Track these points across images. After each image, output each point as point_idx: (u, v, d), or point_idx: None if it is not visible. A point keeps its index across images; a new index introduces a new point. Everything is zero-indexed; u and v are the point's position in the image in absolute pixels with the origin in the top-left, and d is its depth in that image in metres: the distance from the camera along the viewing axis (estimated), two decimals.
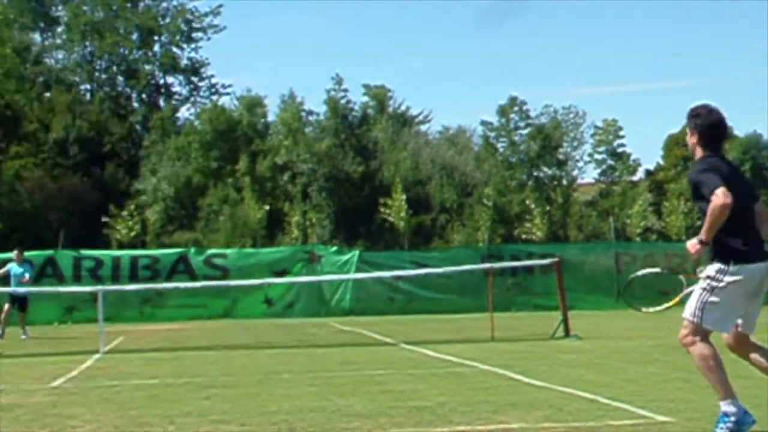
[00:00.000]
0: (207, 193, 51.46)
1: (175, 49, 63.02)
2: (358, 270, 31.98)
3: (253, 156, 51.98)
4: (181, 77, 64.25)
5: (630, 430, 8.17)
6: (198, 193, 52.03)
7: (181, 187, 52.26)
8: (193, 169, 52.59)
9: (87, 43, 61.67)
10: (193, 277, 31.58)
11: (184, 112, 62.88)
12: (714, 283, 7.19)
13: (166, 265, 32.61)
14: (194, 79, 64.30)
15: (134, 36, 61.97)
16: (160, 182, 51.93)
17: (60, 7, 63.77)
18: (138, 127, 60.28)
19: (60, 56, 63.43)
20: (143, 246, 42.99)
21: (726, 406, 7.13)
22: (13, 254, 25.04)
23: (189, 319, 30.73)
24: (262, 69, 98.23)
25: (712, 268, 7.23)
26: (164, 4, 62.79)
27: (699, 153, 7.44)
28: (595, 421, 8.60)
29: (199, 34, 63.22)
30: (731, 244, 7.16)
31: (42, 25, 64.13)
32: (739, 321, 7.33)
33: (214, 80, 64.44)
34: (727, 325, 7.29)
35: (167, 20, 62.52)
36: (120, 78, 63.01)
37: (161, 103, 62.80)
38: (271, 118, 55.78)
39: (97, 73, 62.63)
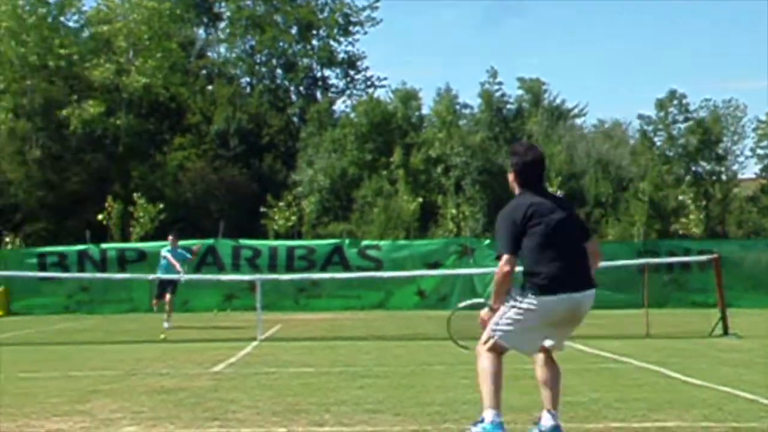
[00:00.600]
0: (361, 185, 51.94)
1: (332, 43, 63.85)
2: None
3: (407, 149, 52.24)
4: (338, 70, 65.06)
5: None
6: (353, 185, 52.59)
7: (336, 178, 52.94)
8: (348, 161, 53.17)
9: (248, 38, 63.08)
10: (348, 268, 31.95)
11: (341, 105, 63.65)
12: (513, 305, 7.38)
13: (321, 255, 33.04)
14: (351, 72, 65.03)
15: (293, 30, 63.04)
16: (317, 174, 52.70)
17: (223, 3, 65.38)
18: (295, 119, 61.28)
19: (222, 50, 65.09)
20: (299, 236, 43.68)
21: (486, 413, 7.38)
22: (168, 239, 24.05)
23: (343, 309, 31.10)
24: (418, 62, 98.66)
25: (515, 293, 7.41)
26: None
27: (517, 191, 7.57)
28: (756, 422, 8.41)
29: (357, 28, 63.89)
30: (534, 276, 7.31)
31: (205, 20, 65.88)
32: (547, 343, 7.54)
33: (369, 73, 65.05)
34: (525, 348, 7.57)
35: (325, 14, 63.33)
36: (279, 71, 64.19)
37: (318, 95, 63.70)
38: (425, 111, 56.07)
39: (257, 67, 63.94)
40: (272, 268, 32.31)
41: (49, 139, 52.04)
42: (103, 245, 34.24)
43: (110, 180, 49.82)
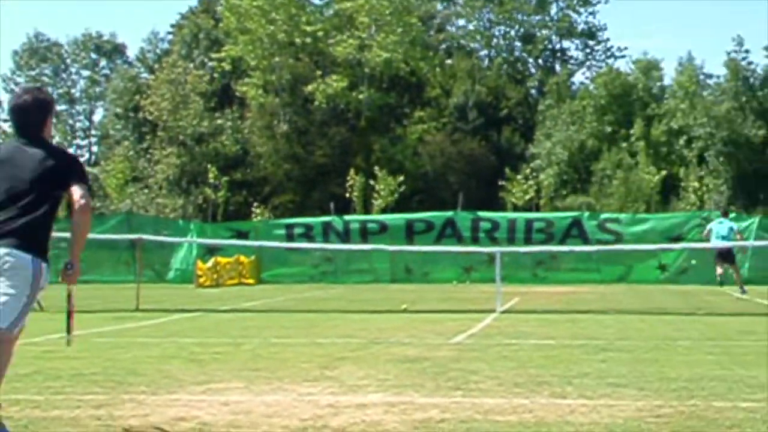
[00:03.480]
0: (600, 157, 51.29)
1: (571, 14, 63.12)
2: (757, 237, 30.73)
3: (648, 120, 51.17)
4: (577, 41, 64.32)
5: None
6: (591, 158, 52.00)
7: (575, 151, 52.47)
8: (587, 133, 52.58)
9: (486, 10, 63.18)
10: (587, 242, 31.68)
11: (580, 77, 62.97)
12: None
13: (560, 228, 32.88)
14: (590, 43, 64.14)
15: (531, 1, 62.68)
16: (555, 146, 52.39)
17: None
18: (533, 91, 61.06)
19: (461, 23, 65.50)
20: (537, 209, 43.60)
21: None
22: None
23: (581, 283, 30.84)
24: (659, 32, 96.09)
25: None
26: None
27: None
28: None
29: None
30: None
31: None
32: None
33: (609, 44, 64.01)
34: None
35: None
36: (517, 43, 64.05)
37: (557, 67, 63.18)
38: (667, 81, 54.79)
39: (495, 40, 64.01)
40: (511, 240, 32.41)
41: (295, 114, 53.94)
42: (346, 217, 35.25)
43: (352, 153, 51.19)
